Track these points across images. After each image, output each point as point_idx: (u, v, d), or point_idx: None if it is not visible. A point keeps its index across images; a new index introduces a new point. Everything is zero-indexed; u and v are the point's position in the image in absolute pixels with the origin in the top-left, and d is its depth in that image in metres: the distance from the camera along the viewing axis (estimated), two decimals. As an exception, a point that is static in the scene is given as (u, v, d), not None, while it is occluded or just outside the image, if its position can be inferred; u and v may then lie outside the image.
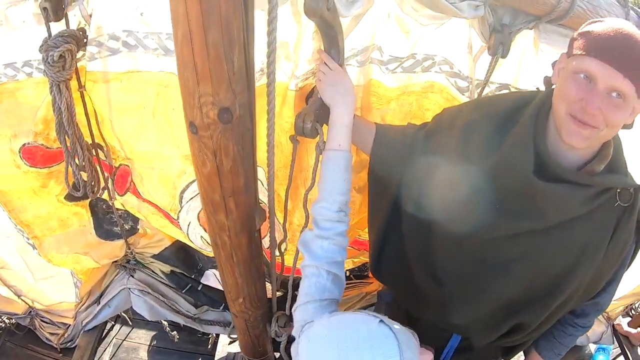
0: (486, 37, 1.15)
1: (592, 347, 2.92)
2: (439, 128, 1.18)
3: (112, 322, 2.98)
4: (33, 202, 1.63)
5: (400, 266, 1.22)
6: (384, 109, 1.38)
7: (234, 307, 1.57)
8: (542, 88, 1.16)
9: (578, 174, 0.97)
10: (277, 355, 2.00)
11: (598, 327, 2.62)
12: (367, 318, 0.89)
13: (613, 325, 2.75)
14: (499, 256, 1.09)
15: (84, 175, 1.47)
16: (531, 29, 1.17)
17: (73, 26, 1.24)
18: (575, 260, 1.05)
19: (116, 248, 2.02)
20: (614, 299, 2.33)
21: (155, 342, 3.11)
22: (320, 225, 1.10)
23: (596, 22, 0.90)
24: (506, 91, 1.36)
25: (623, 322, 2.78)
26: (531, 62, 1.27)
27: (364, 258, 1.93)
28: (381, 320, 0.86)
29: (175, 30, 0.79)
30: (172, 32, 0.96)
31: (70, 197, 1.75)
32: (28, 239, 1.93)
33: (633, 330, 2.75)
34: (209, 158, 0.96)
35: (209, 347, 3.01)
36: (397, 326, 0.88)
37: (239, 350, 2.28)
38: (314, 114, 1.09)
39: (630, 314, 3.01)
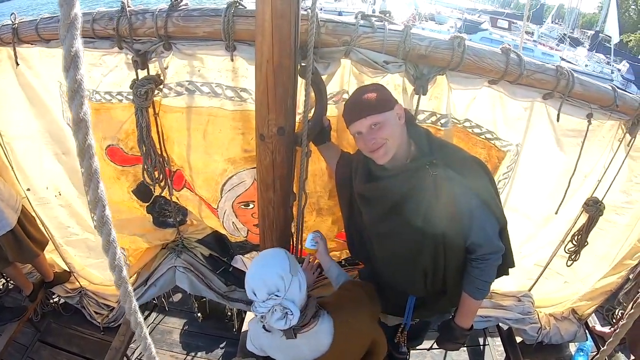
0: (412, 82, 1.59)
1: (572, 349, 3.13)
2: (352, 157, 1.75)
3: (149, 311, 3.25)
4: (111, 188, 2.07)
5: (361, 247, 1.62)
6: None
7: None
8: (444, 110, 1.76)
9: (395, 168, 1.52)
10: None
11: (570, 326, 2.89)
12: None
13: (588, 327, 2.99)
14: (387, 230, 1.62)
15: (155, 174, 1.93)
16: (442, 75, 1.59)
17: (152, 73, 1.65)
18: (424, 213, 1.50)
19: (167, 233, 2.40)
20: (583, 298, 2.89)
21: (187, 327, 3.36)
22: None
23: (344, 102, 1.48)
24: (434, 118, 1.80)
25: (603, 329, 3.06)
26: (446, 96, 1.72)
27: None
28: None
29: (258, 86, 1.37)
30: (219, 82, 1.55)
31: (136, 192, 2.15)
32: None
33: (606, 330, 3.00)
34: (268, 155, 1.53)
35: (234, 331, 3.30)
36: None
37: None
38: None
39: (612, 321, 3.26)
